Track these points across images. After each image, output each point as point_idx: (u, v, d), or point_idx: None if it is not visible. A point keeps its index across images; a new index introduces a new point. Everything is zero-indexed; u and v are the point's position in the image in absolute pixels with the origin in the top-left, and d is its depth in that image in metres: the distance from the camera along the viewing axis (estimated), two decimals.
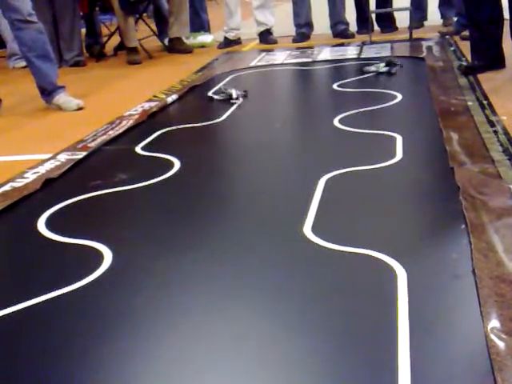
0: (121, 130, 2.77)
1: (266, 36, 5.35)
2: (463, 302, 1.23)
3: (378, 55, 4.19)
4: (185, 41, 5.36)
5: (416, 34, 4.80)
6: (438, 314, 1.19)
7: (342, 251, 1.47)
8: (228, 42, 5.38)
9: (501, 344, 1.06)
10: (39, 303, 1.35)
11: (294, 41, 5.22)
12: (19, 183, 2.15)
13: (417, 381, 1.00)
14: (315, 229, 1.60)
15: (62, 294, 1.38)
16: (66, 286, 1.41)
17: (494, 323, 1.13)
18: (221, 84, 3.70)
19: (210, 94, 3.19)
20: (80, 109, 3.34)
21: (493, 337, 1.09)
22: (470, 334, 1.14)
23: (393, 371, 1.03)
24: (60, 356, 1.18)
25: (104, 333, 1.24)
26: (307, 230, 1.60)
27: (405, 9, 4.84)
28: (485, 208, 1.60)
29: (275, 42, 5.30)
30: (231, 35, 5.39)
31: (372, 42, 4.77)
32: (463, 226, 1.53)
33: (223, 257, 1.52)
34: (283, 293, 1.33)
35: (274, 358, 1.12)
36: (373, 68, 3.59)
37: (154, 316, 1.29)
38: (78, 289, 1.40)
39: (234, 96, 3.19)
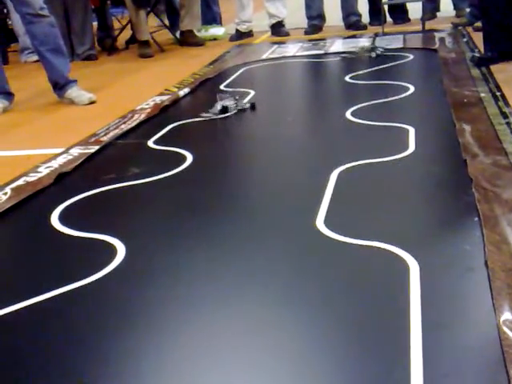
0: (133, 124, 2.78)
1: (277, 28, 5.33)
2: (476, 295, 1.23)
3: (390, 46, 4.16)
4: (196, 34, 5.36)
5: (428, 25, 4.76)
6: (451, 307, 1.19)
7: (355, 244, 1.47)
8: (240, 35, 5.37)
9: None
10: (53, 297, 1.37)
11: (306, 33, 5.19)
12: (32, 177, 2.17)
13: (429, 373, 1.00)
14: (328, 222, 1.60)
15: (75, 288, 1.39)
16: (80, 280, 1.42)
17: (507, 315, 1.12)
18: (233, 77, 3.70)
19: (220, 103, 2.87)
20: (92, 103, 3.35)
21: (505, 329, 1.08)
22: (482, 327, 1.13)
23: (405, 363, 1.03)
24: (73, 349, 1.19)
25: (117, 326, 1.25)
26: (320, 223, 1.60)
27: (417, 0, 4.80)
28: (498, 200, 1.60)
29: (287, 35, 5.28)
30: (243, 28, 5.38)
31: (384, 34, 4.73)
32: (476, 219, 1.52)
33: (235, 251, 1.53)
34: (296, 286, 1.33)
35: (287, 352, 1.12)
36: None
37: (167, 310, 1.29)
38: (91, 283, 1.41)
39: (242, 107, 2.91)
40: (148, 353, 1.15)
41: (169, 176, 2.08)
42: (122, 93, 3.70)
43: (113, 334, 1.23)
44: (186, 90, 3.41)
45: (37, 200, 2.00)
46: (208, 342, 1.16)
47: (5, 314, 1.32)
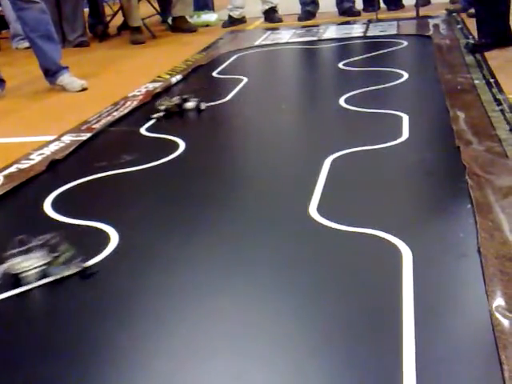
0: (125, 111, 2.77)
1: (270, 14, 5.30)
2: (468, 281, 1.24)
3: (383, 33, 4.15)
4: (188, 20, 5.32)
5: (423, 11, 4.75)
6: (443, 293, 1.20)
7: (348, 231, 1.47)
8: (232, 21, 5.34)
9: (505, 322, 1.07)
10: (46, 284, 1.36)
11: (300, 19, 5.17)
12: (24, 165, 2.15)
13: (421, 359, 1.01)
14: (321, 209, 1.60)
15: (68, 276, 1.39)
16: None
17: (499, 301, 1.13)
18: (225, 63, 3.68)
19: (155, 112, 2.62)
20: (84, 89, 3.33)
21: (498, 315, 1.09)
22: (474, 313, 1.14)
23: (397, 350, 1.04)
24: (64, 337, 1.18)
25: (110, 313, 1.25)
26: (313, 210, 1.60)
27: None
28: (491, 187, 1.60)
29: (280, 21, 5.25)
30: (236, 14, 5.34)
31: (378, 20, 4.72)
32: (469, 206, 1.53)
33: (228, 237, 1.53)
34: (288, 273, 1.33)
35: (278, 340, 1.12)
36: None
37: (159, 297, 1.29)
38: (84, 270, 1.40)
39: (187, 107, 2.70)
40: (141, 340, 1.15)
41: (161, 163, 2.07)
42: (114, 80, 3.68)
43: (105, 321, 1.22)
44: (179, 77, 3.39)
45: (29, 187, 1.99)
46: (203, 330, 1.16)
47: None
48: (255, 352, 1.09)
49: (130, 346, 1.14)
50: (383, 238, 1.41)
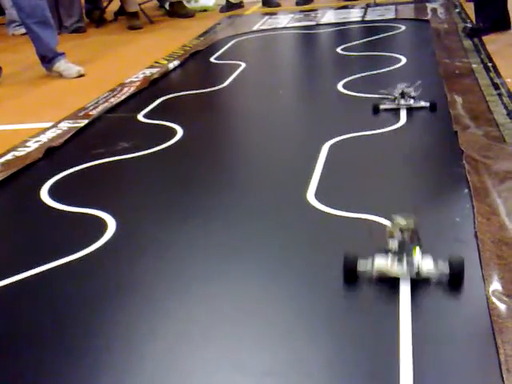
0: (122, 98, 2.75)
1: None
2: (465, 265, 1.24)
3: (382, 17, 4.12)
4: (186, 5, 5.28)
5: None
6: (440, 277, 1.20)
7: (345, 217, 1.47)
8: (230, 6, 5.30)
9: (502, 306, 1.07)
10: (43, 271, 1.36)
11: (298, 3, 5.14)
12: (21, 152, 2.15)
13: (418, 343, 1.01)
14: (318, 195, 1.60)
15: (65, 263, 1.39)
16: (70, 254, 1.42)
17: (496, 286, 1.13)
18: (223, 49, 3.67)
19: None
20: (81, 76, 3.31)
21: (494, 299, 1.09)
22: (471, 297, 1.14)
23: (393, 333, 1.04)
24: (63, 324, 1.19)
25: (109, 300, 1.26)
26: (310, 196, 1.60)
27: None
28: (488, 172, 1.60)
29: (278, 5, 5.22)
30: None
31: (376, 4, 4.69)
32: (466, 190, 1.53)
33: (226, 223, 1.53)
34: (286, 258, 1.34)
35: (275, 325, 1.13)
36: None
37: (156, 282, 1.30)
38: (82, 257, 1.41)
39: None
40: (139, 326, 1.15)
41: (159, 150, 2.07)
42: (111, 66, 3.66)
43: (104, 307, 1.23)
44: (176, 63, 3.37)
45: (26, 174, 1.98)
46: (197, 311, 1.16)
47: None
48: (253, 337, 1.09)
49: (126, 331, 1.15)
50: (380, 223, 1.41)
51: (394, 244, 1.19)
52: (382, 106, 2.20)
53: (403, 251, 1.17)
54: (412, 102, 2.18)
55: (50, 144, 2.20)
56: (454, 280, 1.15)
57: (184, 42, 3.97)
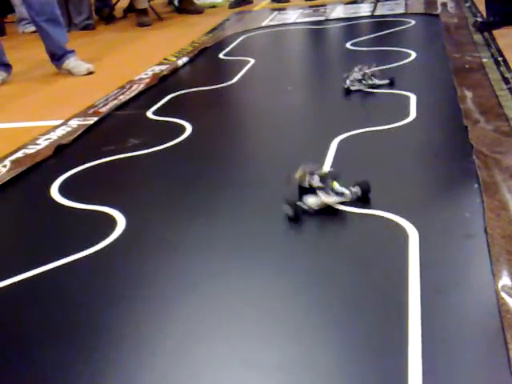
0: (132, 95, 2.76)
1: None
2: (475, 261, 1.23)
3: (391, 12, 4.10)
4: (195, 1, 5.29)
5: None
6: (450, 273, 1.19)
7: (355, 213, 1.47)
8: (239, 2, 5.30)
9: (511, 302, 1.07)
10: (53, 269, 1.37)
11: None
12: (31, 150, 2.16)
13: (427, 339, 1.01)
14: None
15: (75, 260, 1.40)
16: (80, 251, 1.42)
17: (505, 281, 1.12)
18: (232, 45, 3.66)
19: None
20: (90, 73, 3.33)
21: (503, 294, 1.09)
22: (480, 292, 1.14)
23: (403, 329, 1.04)
24: (72, 321, 1.20)
25: (118, 298, 1.26)
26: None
27: None
28: (498, 167, 1.59)
29: (287, 1, 5.21)
30: None
31: None
32: (476, 185, 1.52)
33: (235, 220, 1.53)
34: (295, 253, 1.34)
35: (285, 318, 1.13)
36: None
37: (166, 280, 1.30)
38: (91, 254, 1.42)
39: None
40: (148, 323, 1.16)
41: (168, 147, 2.07)
42: (121, 63, 3.67)
43: (113, 305, 1.23)
44: (185, 60, 3.37)
45: (36, 172, 2.00)
46: (208, 314, 1.17)
47: (5, 286, 1.33)
48: (263, 335, 1.09)
49: (136, 328, 1.15)
50: (389, 219, 1.41)
51: (316, 181, 1.46)
52: (352, 88, 2.44)
53: (326, 184, 1.46)
54: (376, 80, 2.46)
55: (59, 141, 2.21)
56: (365, 198, 1.50)
57: (193, 39, 3.97)
